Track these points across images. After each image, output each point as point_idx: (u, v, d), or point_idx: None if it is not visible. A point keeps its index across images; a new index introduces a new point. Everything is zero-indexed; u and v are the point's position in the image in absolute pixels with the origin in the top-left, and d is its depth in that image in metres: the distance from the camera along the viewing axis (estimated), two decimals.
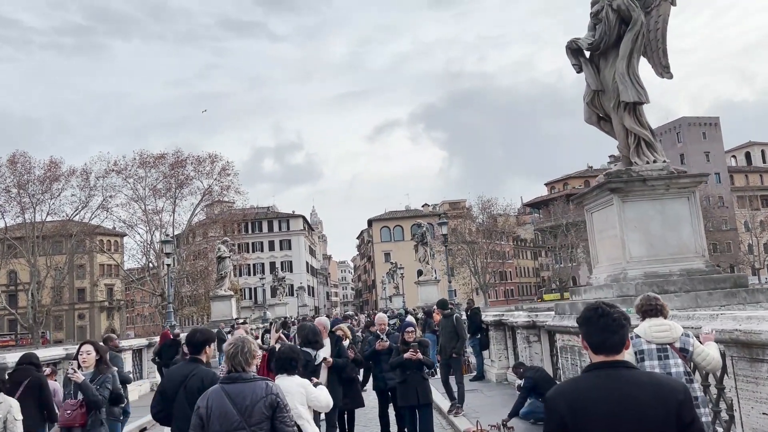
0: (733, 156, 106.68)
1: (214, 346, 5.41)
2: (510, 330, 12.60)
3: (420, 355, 7.95)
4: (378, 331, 8.84)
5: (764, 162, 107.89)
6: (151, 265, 63.78)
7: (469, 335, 13.43)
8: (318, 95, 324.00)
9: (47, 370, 8.96)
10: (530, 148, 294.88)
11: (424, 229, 31.93)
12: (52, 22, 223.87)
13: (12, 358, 9.07)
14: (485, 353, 14.13)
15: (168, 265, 25.09)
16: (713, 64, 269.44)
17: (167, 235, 25.71)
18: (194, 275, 65.72)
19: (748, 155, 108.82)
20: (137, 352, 19.13)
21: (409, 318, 23.77)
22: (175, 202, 61.72)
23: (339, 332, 8.33)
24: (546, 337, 9.99)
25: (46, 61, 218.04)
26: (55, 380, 8.94)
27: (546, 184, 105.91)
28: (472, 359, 14.55)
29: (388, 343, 8.35)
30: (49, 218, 63.79)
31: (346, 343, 8.22)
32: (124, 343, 15.97)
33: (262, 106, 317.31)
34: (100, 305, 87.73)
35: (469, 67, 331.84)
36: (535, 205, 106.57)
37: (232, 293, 32.25)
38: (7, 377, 6.98)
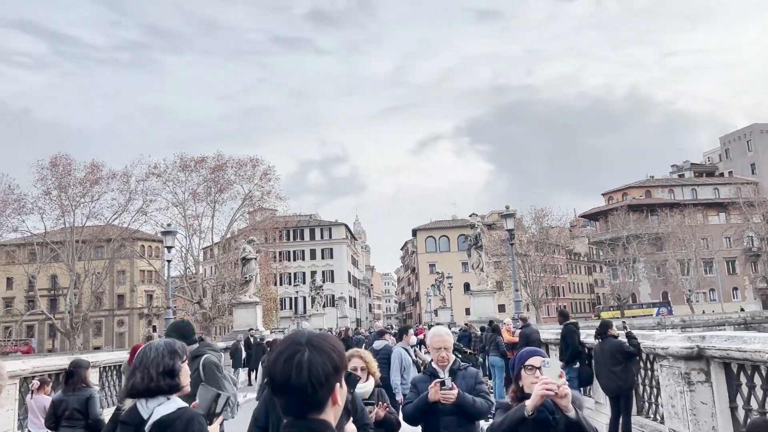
0: None
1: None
2: (643, 360, 8.60)
3: (454, 392, 4.22)
4: (435, 363, 4.69)
5: None
6: (189, 271, 61.89)
7: (562, 363, 9.56)
8: (362, 109, 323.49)
9: (34, 383, 8.22)
10: (578, 162, 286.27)
11: (479, 230, 27.66)
12: (110, 38, 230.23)
13: None
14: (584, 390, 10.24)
15: (168, 261, 21.94)
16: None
17: (168, 225, 22.66)
18: (233, 283, 63.29)
19: None
20: None
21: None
22: (214, 207, 59.84)
23: (357, 364, 4.61)
24: (722, 375, 5.91)
25: (102, 75, 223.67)
26: (49, 395, 7.97)
27: (603, 195, 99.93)
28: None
29: (455, 392, 4.20)
30: (88, 222, 62.88)
31: (367, 386, 4.52)
32: None
33: (308, 120, 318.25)
34: (139, 312, 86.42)
35: (514, 81, 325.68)
36: (591, 216, 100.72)
37: (258, 300, 28.66)
38: None
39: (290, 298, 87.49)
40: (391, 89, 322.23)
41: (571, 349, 9.93)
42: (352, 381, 3.73)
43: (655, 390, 8.02)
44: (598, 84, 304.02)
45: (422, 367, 8.68)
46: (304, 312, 74.25)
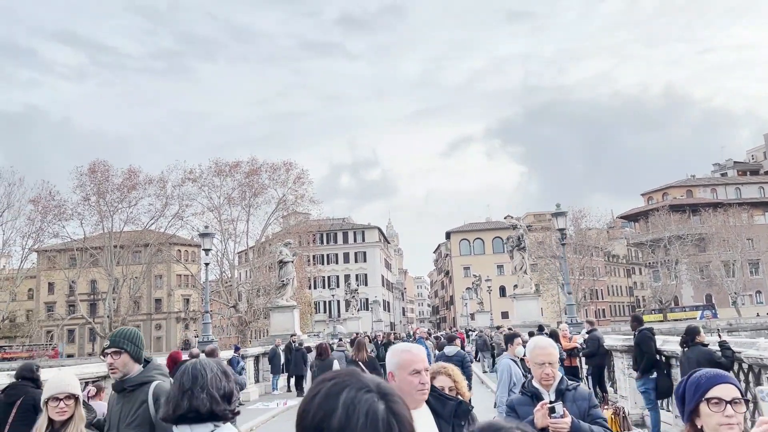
0: None
1: None
2: (747, 372, 7.59)
3: (567, 420, 3.42)
4: (537, 382, 3.89)
5: None
6: (225, 275, 62.16)
7: (638, 372, 8.75)
8: (393, 112, 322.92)
9: (90, 389, 8.01)
10: (614, 162, 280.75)
11: (522, 231, 26.71)
12: (146, 47, 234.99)
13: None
14: (662, 404, 9.39)
15: (207, 264, 21.60)
16: None
17: (206, 227, 22.38)
18: (269, 287, 63.39)
19: None
20: None
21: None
22: (249, 211, 60.09)
23: (444, 383, 3.88)
24: None
25: (139, 84, 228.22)
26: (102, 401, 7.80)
27: (643, 195, 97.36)
28: (636, 410, 9.76)
29: (568, 420, 3.42)
30: (126, 227, 63.72)
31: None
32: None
33: (339, 123, 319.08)
34: (176, 316, 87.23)
35: (546, 81, 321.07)
36: (630, 217, 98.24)
37: (295, 304, 28.15)
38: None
39: (324, 302, 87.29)
40: (422, 91, 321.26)
41: (646, 357, 9.07)
42: (463, 412, 3.10)
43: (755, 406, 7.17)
44: (632, 82, 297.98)
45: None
46: (338, 315, 73.87)
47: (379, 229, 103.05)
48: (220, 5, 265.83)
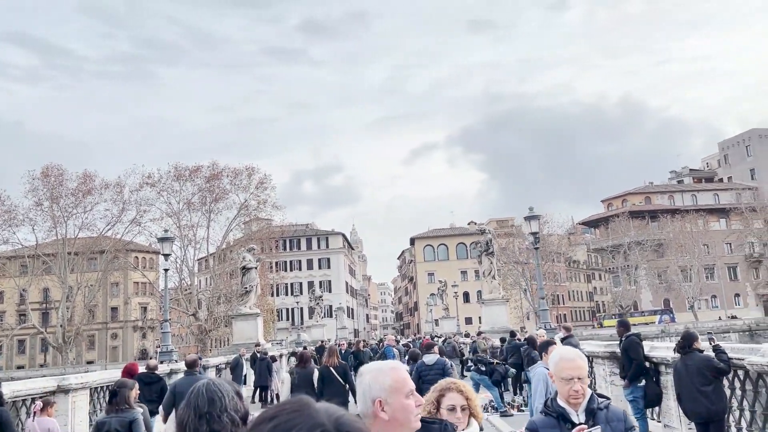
0: None
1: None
2: (743, 380, 7.19)
3: None
4: (563, 400, 3.34)
5: None
6: (184, 283, 60.64)
7: (626, 380, 8.34)
8: (357, 119, 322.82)
9: (37, 405, 7.66)
10: (573, 169, 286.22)
11: (490, 236, 26.47)
12: (103, 51, 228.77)
13: None
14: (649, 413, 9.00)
15: (166, 270, 20.63)
16: (760, 87, 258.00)
17: (165, 230, 21.49)
18: (229, 295, 62.09)
19: None
20: None
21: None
22: (209, 216, 58.80)
23: (455, 402, 3.34)
24: None
25: (96, 88, 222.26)
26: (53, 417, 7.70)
27: (603, 201, 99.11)
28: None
29: None
30: (81, 233, 61.71)
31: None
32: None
33: (303, 130, 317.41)
34: (133, 324, 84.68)
35: (508, 90, 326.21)
36: (590, 223, 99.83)
37: (258, 311, 27.20)
38: None
39: (287, 309, 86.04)
40: (385, 99, 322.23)
41: (635, 364, 8.68)
42: None
43: (753, 415, 6.80)
44: (591, 92, 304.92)
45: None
46: (302, 323, 72.79)
47: (344, 236, 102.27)
48: (180, 10, 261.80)
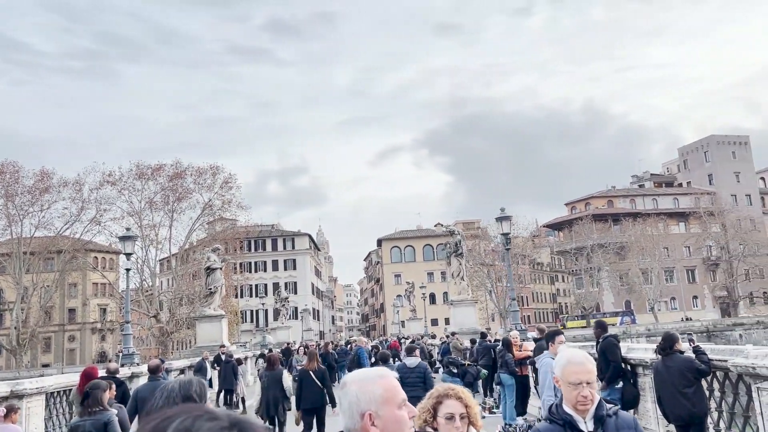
0: (762, 178, 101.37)
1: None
2: (722, 381, 7.11)
3: None
4: (570, 406, 3.09)
5: None
6: (145, 284, 59.24)
7: (603, 382, 8.21)
8: (323, 120, 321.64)
9: (0, 410, 7.34)
10: (538, 173, 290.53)
11: (459, 237, 26.37)
12: (62, 46, 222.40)
13: None
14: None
15: (127, 270, 19.92)
16: (717, 95, 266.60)
17: (127, 229, 20.77)
18: (192, 296, 60.90)
19: None
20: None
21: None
22: (172, 216, 57.57)
23: (454, 410, 3.06)
24: None
25: (56, 84, 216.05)
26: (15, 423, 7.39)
27: (567, 204, 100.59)
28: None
29: None
30: (37, 233, 59.78)
31: None
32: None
33: (268, 130, 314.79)
34: (92, 326, 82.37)
35: (473, 94, 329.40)
36: (554, 226, 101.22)
37: (223, 313, 26.50)
38: None
39: (251, 311, 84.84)
40: (352, 101, 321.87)
41: (613, 366, 8.55)
42: None
43: (732, 417, 6.71)
44: (555, 97, 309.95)
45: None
46: (267, 325, 71.81)
47: (310, 236, 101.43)
48: (143, 6, 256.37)
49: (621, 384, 8.59)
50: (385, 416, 2.00)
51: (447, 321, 54.19)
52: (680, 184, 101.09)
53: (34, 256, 60.54)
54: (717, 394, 7.14)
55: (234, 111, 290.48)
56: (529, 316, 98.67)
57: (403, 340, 35.80)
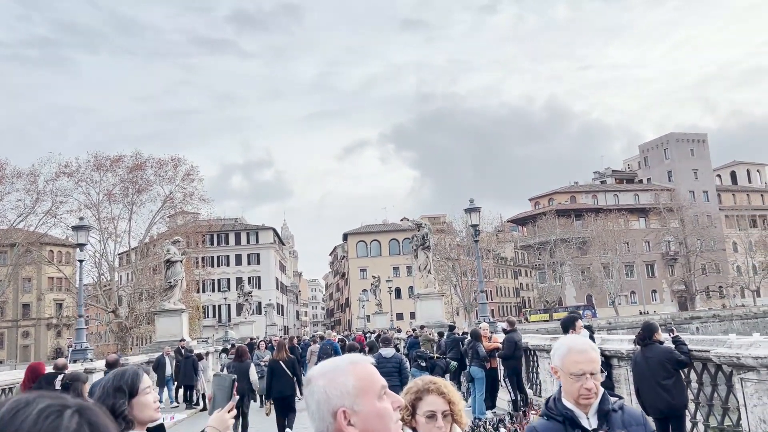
0: (719, 175, 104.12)
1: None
2: (700, 372, 6.93)
3: None
4: (571, 400, 2.73)
5: (749, 182, 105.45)
6: (103, 278, 57.59)
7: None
8: (287, 114, 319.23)
9: None
10: (502, 169, 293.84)
11: (427, 230, 26.07)
12: (18, 34, 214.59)
13: None
14: None
15: (81, 261, 19.02)
16: (674, 95, 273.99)
17: (81, 219, 19.89)
18: (152, 291, 59.47)
19: (733, 175, 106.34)
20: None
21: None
22: (132, 209, 56.02)
23: (435, 407, 2.66)
24: None
25: (10, 72, 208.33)
26: None
27: (530, 200, 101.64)
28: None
29: None
30: None
31: None
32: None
33: (231, 123, 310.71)
34: (47, 322, 79.82)
35: (438, 90, 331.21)
36: (518, 221, 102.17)
37: (183, 307, 25.66)
38: None
39: (213, 306, 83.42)
40: (317, 95, 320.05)
41: None
42: None
43: (711, 409, 6.52)
44: (518, 94, 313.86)
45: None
46: (229, 320, 70.65)
47: (274, 230, 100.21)
48: None
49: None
50: (363, 411, 1.56)
51: (412, 315, 54.03)
52: (641, 181, 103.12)
53: None
54: (694, 385, 6.94)
55: (196, 103, 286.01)
56: (492, 311, 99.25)
57: (368, 335, 35.49)
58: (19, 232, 58.96)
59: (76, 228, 18.67)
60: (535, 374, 11.87)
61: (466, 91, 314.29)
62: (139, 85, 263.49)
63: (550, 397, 2.87)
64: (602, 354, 8.76)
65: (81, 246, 18.42)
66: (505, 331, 11.92)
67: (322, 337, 22.60)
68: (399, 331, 36.22)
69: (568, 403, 2.72)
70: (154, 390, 2.76)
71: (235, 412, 2.85)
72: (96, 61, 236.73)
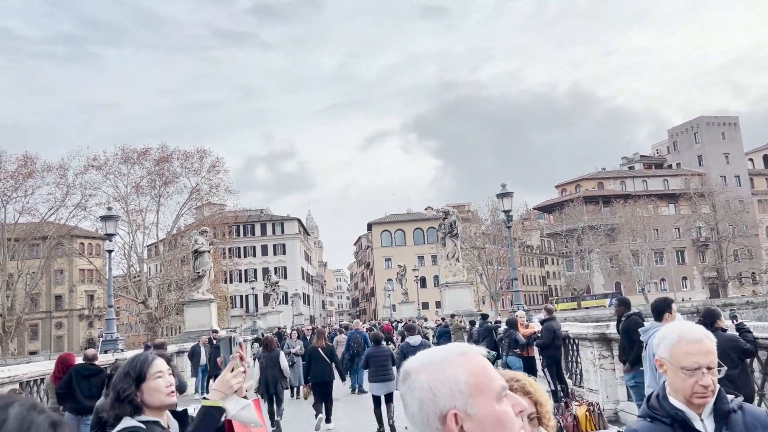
0: (750, 159, 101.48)
1: None
2: (764, 362, 6.54)
3: None
4: (681, 399, 2.30)
5: None
6: (132, 270, 58.44)
7: (626, 364, 7.58)
8: (309, 105, 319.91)
9: None
10: (525, 156, 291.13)
11: (454, 218, 25.72)
12: (44, 31, 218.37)
13: None
14: None
15: (110, 251, 19.09)
16: (700, 79, 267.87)
17: (109, 209, 19.98)
18: (181, 282, 60.17)
19: (766, 158, 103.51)
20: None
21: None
22: (159, 201, 56.67)
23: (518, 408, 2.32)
24: None
25: (37, 69, 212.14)
26: None
27: (557, 187, 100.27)
28: (608, 405, 8.69)
29: None
30: (21, 219, 58.60)
31: None
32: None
33: (253, 115, 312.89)
34: (79, 313, 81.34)
35: (460, 78, 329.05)
36: (545, 208, 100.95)
37: (212, 297, 25.72)
38: None
39: (241, 296, 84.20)
40: (338, 85, 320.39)
41: (637, 346, 7.90)
42: None
43: None
44: (540, 81, 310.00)
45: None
46: (257, 310, 71.16)
47: (299, 221, 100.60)
48: None
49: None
50: (479, 414, 1.24)
51: (438, 304, 53.88)
52: (670, 166, 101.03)
53: (18, 243, 59.43)
54: (758, 375, 6.54)
55: (218, 96, 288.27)
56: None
57: (395, 324, 35.30)
58: (51, 225, 60.09)
59: (104, 218, 18.73)
60: (574, 364, 11.52)
61: (488, 78, 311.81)
62: (162, 79, 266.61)
63: (651, 395, 2.45)
64: None
65: (110, 236, 18.49)
66: (541, 321, 11.55)
67: (347, 327, 22.45)
68: (426, 320, 35.95)
69: (677, 402, 2.31)
70: (168, 375, 2.73)
71: (241, 370, 2.70)
72: (120, 56, 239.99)
